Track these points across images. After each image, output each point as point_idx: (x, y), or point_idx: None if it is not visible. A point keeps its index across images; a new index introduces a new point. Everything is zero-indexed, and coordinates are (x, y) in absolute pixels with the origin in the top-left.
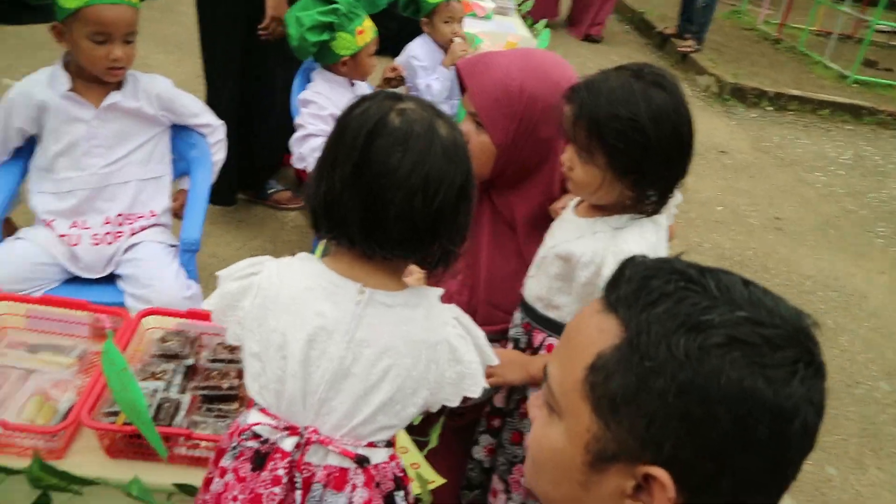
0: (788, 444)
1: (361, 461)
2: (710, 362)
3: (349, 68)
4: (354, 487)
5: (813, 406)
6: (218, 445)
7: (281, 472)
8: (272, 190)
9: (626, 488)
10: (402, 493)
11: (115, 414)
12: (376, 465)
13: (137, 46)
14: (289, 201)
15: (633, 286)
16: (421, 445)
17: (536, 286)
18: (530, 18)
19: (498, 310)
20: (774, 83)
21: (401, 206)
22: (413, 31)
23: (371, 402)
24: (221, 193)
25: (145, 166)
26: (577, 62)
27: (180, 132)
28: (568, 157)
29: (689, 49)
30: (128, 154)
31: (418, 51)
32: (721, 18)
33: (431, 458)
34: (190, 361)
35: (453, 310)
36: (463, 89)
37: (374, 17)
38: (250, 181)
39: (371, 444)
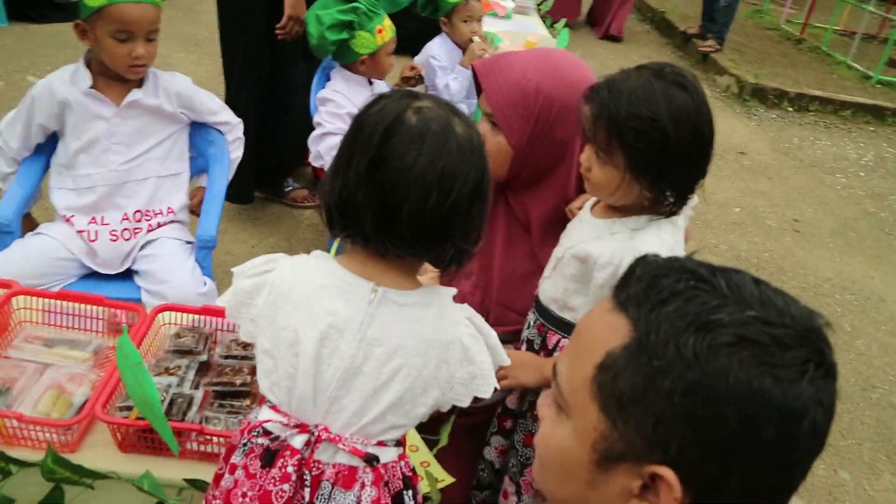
0: (797, 445)
1: (370, 460)
2: (719, 362)
3: (367, 67)
4: (363, 486)
5: (822, 407)
6: (228, 442)
7: (290, 469)
8: (289, 188)
9: (633, 488)
10: (410, 492)
11: (129, 408)
12: (385, 464)
13: (158, 45)
14: (305, 199)
15: (643, 285)
16: (431, 444)
17: (552, 287)
18: (550, 18)
19: (510, 311)
20: (796, 83)
21: (415, 203)
22: (432, 31)
23: (381, 400)
24: (240, 191)
25: (164, 163)
26: (597, 62)
27: (199, 129)
28: (586, 157)
29: (709, 49)
30: (147, 151)
31: (437, 50)
32: (743, 18)
33: (442, 456)
34: (203, 357)
35: (466, 310)
36: (479, 90)
37: (393, 17)
38: (269, 180)
39: (381, 443)
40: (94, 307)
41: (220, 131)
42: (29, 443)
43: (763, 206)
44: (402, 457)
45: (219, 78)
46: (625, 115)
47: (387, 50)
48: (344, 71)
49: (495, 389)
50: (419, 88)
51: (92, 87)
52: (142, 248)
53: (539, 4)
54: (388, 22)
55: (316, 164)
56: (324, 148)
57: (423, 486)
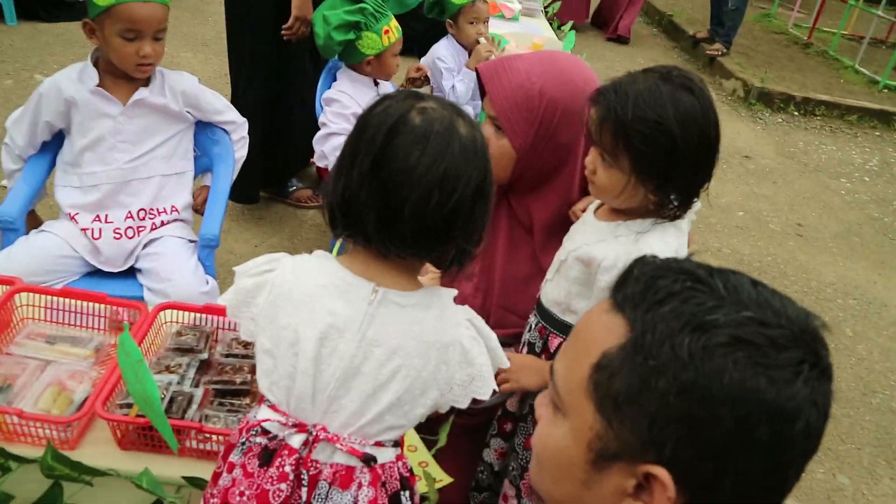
0: (790, 446)
1: (368, 460)
2: (713, 362)
3: (373, 68)
4: (360, 486)
5: (817, 408)
6: (227, 440)
7: (288, 468)
8: (293, 188)
9: (628, 487)
10: (407, 492)
11: (129, 406)
12: (383, 465)
13: (166, 45)
14: (309, 199)
15: (640, 286)
16: (430, 444)
17: (555, 290)
18: (557, 20)
19: (511, 314)
20: (802, 88)
21: (417, 203)
22: (439, 33)
23: (379, 401)
24: (246, 191)
25: (169, 162)
26: (604, 64)
27: (204, 128)
28: (591, 159)
29: (716, 53)
30: (152, 149)
31: (443, 52)
32: (751, 22)
33: (440, 456)
34: (204, 356)
35: (466, 311)
36: (483, 93)
37: (399, 18)
38: (274, 180)
39: (378, 444)
40: (97, 305)
41: (225, 130)
42: (29, 439)
43: (767, 210)
44: (399, 457)
45: (225, 78)
46: (631, 118)
47: (393, 51)
48: (350, 71)
49: (494, 392)
50: (425, 90)
51: (99, 86)
52: (145, 246)
53: (546, 7)
54: (394, 23)
55: (320, 164)
56: (328, 148)
57: (421, 487)
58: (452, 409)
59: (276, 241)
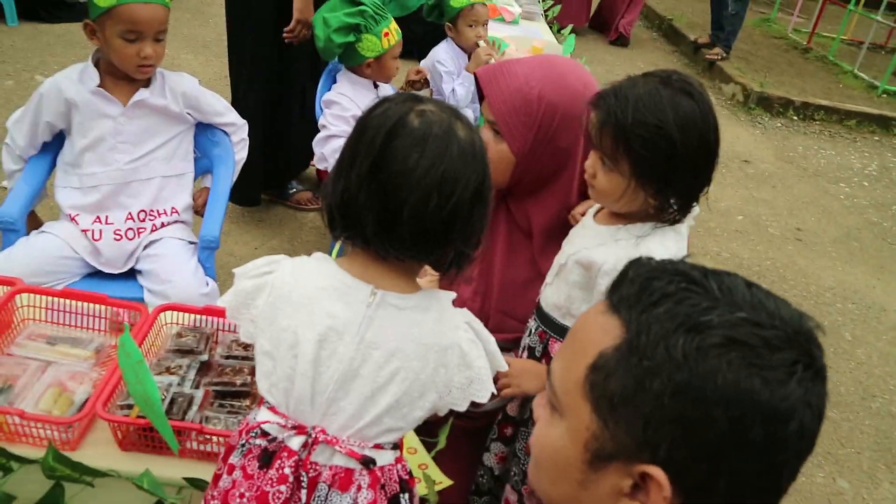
0: (784, 447)
1: (367, 462)
2: (708, 363)
3: (373, 70)
4: (359, 488)
5: (811, 408)
6: (227, 442)
7: (287, 470)
8: (293, 190)
9: (624, 487)
10: (406, 495)
11: (130, 407)
12: (382, 467)
13: (166, 46)
14: (308, 202)
15: (635, 287)
16: (429, 446)
17: (554, 294)
18: (557, 24)
19: (510, 318)
20: (801, 92)
21: (416, 206)
22: (438, 36)
23: (378, 403)
24: (246, 194)
25: (169, 163)
26: (604, 68)
27: (204, 130)
28: (591, 163)
29: (716, 57)
30: (152, 151)
31: (443, 55)
32: (750, 26)
33: (440, 458)
34: (204, 357)
35: (465, 314)
36: (482, 97)
37: (399, 21)
38: (275, 182)
39: (377, 446)
40: (97, 306)
41: (225, 132)
42: (30, 440)
43: (766, 214)
44: (398, 460)
45: (225, 80)
46: (631, 122)
47: (392, 54)
48: (350, 74)
49: (493, 395)
50: (424, 93)
51: (99, 87)
52: (145, 247)
53: (546, 10)
54: (394, 26)
55: (320, 166)
56: (328, 150)
57: (421, 489)
58: (451, 412)
59: (276, 244)
